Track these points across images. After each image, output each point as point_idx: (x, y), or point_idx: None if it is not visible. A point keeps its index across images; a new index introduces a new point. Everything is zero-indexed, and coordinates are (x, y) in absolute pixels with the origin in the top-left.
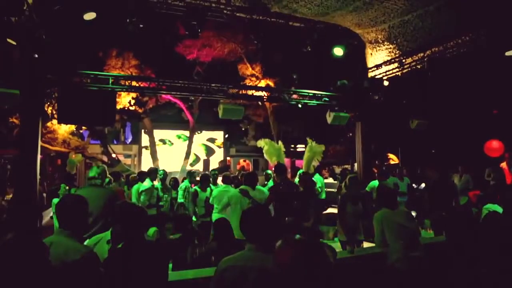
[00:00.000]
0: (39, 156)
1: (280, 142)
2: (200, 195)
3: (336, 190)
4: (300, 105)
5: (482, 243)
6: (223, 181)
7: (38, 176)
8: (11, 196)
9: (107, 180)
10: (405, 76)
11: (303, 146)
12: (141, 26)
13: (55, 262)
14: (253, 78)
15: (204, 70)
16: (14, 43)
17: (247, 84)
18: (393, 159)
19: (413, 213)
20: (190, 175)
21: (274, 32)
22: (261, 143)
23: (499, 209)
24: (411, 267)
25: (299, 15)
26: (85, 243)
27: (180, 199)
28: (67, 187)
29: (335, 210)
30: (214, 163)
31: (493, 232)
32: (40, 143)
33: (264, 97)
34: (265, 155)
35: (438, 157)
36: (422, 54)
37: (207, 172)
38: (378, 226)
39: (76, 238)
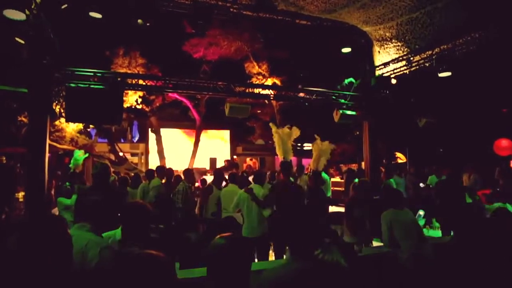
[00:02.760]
0: (47, 155)
1: (293, 129)
2: (214, 192)
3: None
4: (306, 104)
5: (490, 239)
6: (229, 179)
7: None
8: (21, 193)
9: (112, 178)
10: (413, 74)
11: (310, 144)
12: (147, 24)
13: (76, 254)
14: (260, 77)
15: (211, 69)
16: (22, 42)
17: (254, 82)
18: (401, 158)
19: (421, 212)
20: (187, 174)
21: (280, 30)
22: (272, 126)
23: (510, 208)
24: (421, 265)
25: (306, 13)
26: None
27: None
28: (69, 185)
29: (340, 209)
30: (220, 162)
31: (501, 227)
32: (48, 141)
33: (271, 96)
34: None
35: (446, 156)
36: (430, 52)
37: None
38: (386, 226)
39: (95, 233)
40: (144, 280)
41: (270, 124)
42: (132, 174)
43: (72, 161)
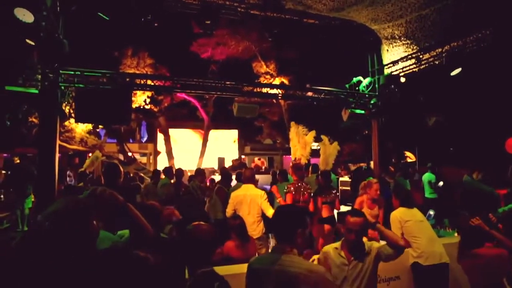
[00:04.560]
0: (57, 155)
1: (312, 132)
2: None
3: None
4: (315, 103)
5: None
6: (236, 179)
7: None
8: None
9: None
10: (423, 72)
11: (317, 144)
12: (155, 25)
13: None
14: (268, 76)
15: (219, 68)
16: (32, 43)
17: (262, 82)
18: (410, 157)
19: (431, 212)
20: (198, 173)
21: (288, 29)
22: (292, 129)
23: None
24: (433, 262)
25: (314, 12)
26: None
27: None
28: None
29: (348, 208)
30: (228, 161)
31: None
32: (58, 142)
33: (279, 95)
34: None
35: (456, 155)
36: (440, 50)
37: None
38: (396, 225)
39: (108, 231)
40: (125, 277)
41: (292, 122)
42: (141, 174)
43: (91, 159)
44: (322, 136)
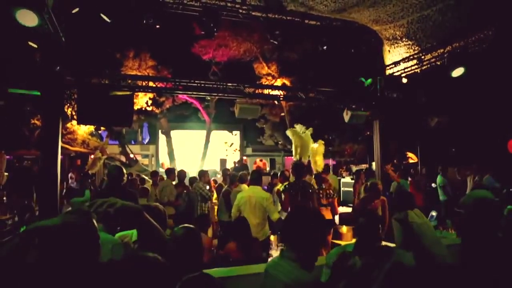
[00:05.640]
0: (59, 157)
1: (307, 132)
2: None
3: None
4: (316, 103)
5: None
6: (239, 180)
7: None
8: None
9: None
10: (425, 73)
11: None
12: (157, 26)
13: None
14: (269, 77)
15: (220, 70)
16: (35, 46)
17: (263, 83)
18: (412, 158)
19: (434, 213)
20: (203, 174)
21: (290, 30)
22: (289, 132)
23: None
24: (434, 266)
25: (315, 13)
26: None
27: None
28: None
29: (350, 210)
30: (230, 162)
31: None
32: (60, 143)
33: (280, 96)
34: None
35: (459, 156)
36: (442, 50)
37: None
38: (399, 226)
39: (110, 233)
40: (136, 281)
41: (289, 129)
42: (143, 175)
43: (93, 159)
44: (295, 125)
